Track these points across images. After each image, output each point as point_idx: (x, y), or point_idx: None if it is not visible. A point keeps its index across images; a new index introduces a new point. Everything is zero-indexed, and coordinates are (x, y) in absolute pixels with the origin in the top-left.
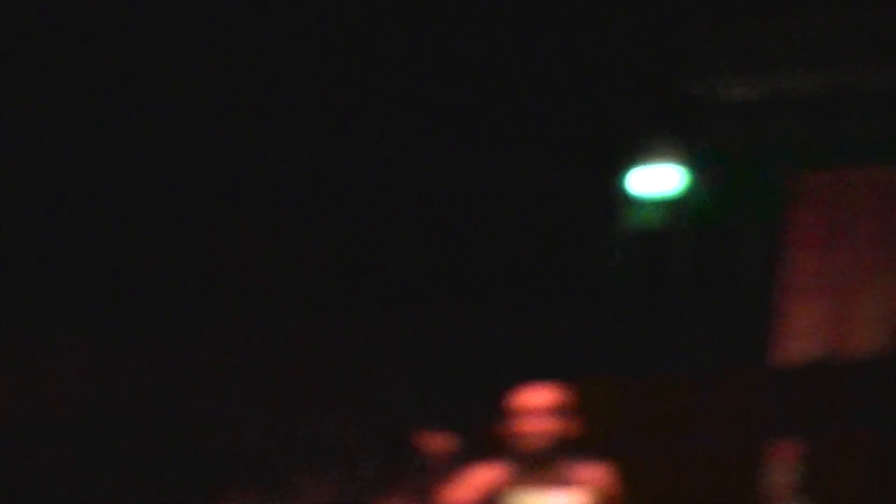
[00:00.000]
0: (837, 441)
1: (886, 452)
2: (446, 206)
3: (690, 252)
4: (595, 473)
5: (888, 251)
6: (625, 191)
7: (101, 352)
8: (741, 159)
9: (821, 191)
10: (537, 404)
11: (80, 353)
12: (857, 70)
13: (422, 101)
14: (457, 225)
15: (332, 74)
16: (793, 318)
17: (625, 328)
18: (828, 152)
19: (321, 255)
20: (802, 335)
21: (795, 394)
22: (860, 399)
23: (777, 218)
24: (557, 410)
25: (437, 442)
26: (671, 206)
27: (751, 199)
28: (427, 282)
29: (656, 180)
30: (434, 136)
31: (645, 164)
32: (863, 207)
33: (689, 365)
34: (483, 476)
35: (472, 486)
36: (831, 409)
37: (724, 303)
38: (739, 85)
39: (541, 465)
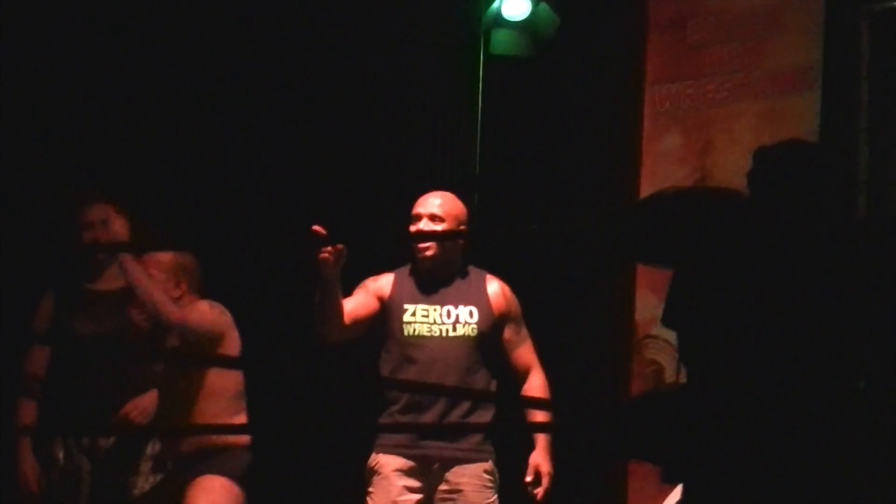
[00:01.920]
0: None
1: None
2: None
3: (550, 80)
4: (491, 288)
5: (744, 79)
6: (478, 17)
7: None
8: None
9: (676, 16)
10: (431, 211)
11: None
12: None
13: None
14: None
15: None
16: (655, 146)
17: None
18: None
19: None
20: (667, 163)
21: (660, 222)
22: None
23: (630, 45)
24: (455, 218)
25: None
26: (525, 33)
27: (602, 27)
28: None
29: (508, 7)
30: None
31: None
32: (719, 33)
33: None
34: (376, 284)
35: (365, 293)
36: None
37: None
38: None
39: (436, 276)
